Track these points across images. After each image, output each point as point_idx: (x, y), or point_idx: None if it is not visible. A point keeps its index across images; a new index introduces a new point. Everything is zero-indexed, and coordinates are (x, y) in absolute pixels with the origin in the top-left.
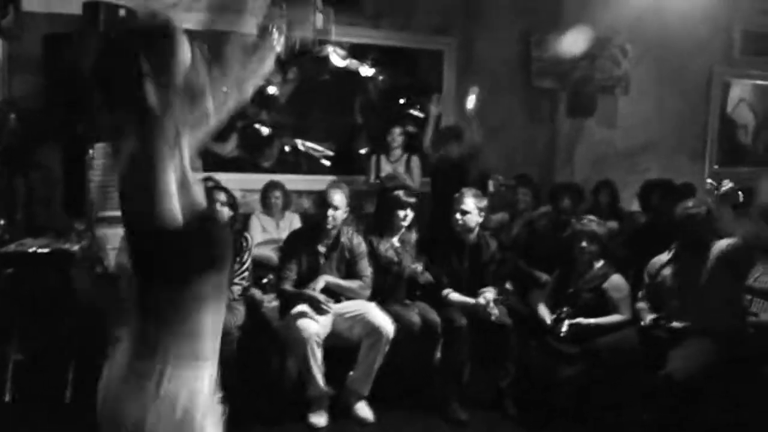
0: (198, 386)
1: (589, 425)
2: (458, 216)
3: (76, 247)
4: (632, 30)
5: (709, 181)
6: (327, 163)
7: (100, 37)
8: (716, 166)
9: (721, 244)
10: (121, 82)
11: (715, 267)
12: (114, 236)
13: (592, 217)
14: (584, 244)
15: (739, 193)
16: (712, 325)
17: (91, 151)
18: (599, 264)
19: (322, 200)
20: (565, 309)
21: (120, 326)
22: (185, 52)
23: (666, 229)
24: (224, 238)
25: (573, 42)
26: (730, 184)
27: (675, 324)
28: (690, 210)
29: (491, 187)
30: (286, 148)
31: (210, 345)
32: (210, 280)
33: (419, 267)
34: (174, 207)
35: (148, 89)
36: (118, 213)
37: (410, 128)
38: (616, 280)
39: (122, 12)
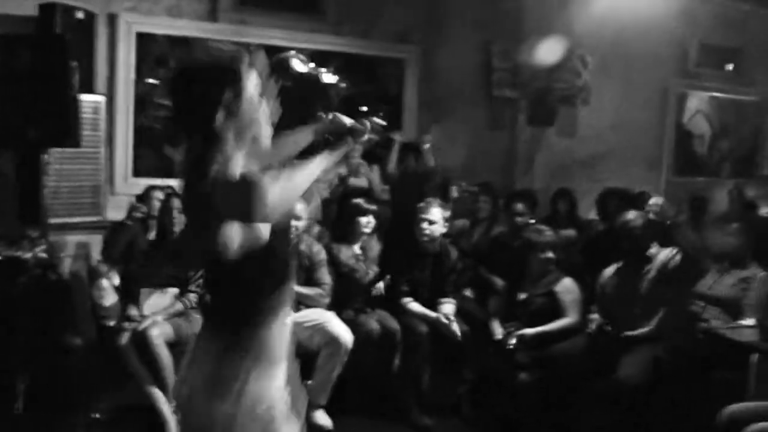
0: (276, 384)
1: (546, 430)
2: (425, 226)
3: (28, 255)
4: (592, 41)
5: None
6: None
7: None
8: (672, 176)
9: (663, 254)
10: (196, 108)
11: (657, 277)
12: (69, 243)
13: (543, 227)
14: (550, 254)
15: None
16: (662, 334)
17: (45, 156)
18: (551, 269)
19: None
20: (513, 323)
21: (73, 335)
22: (253, 86)
23: (610, 241)
24: (289, 255)
25: (547, 52)
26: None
27: (627, 333)
28: (628, 221)
29: (455, 192)
30: None
31: (282, 349)
32: (275, 297)
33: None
34: (235, 234)
35: (219, 117)
36: (73, 219)
37: (372, 137)
38: (567, 283)
39: (80, 14)
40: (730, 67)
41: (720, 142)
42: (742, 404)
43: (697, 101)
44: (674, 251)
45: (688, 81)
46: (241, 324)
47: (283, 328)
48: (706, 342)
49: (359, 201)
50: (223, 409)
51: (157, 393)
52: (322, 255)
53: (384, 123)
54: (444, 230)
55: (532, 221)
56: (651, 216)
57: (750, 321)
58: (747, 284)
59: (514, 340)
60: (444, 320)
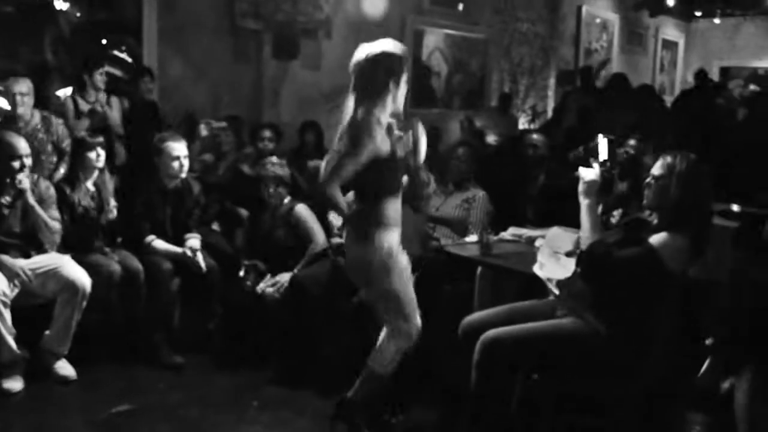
0: (394, 239)
1: (296, 358)
2: (173, 163)
3: None
4: None
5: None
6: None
7: None
8: (411, 108)
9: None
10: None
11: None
12: None
13: (274, 159)
14: (271, 189)
15: None
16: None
17: None
18: (286, 200)
19: None
20: (254, 260)
21: None
22: None
23: None
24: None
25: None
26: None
27: None
28: None
29: (204, 131)
30: None
31: (396, 218)
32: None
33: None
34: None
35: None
36: None
37: (114, 71)
38: (301, 210)
39: None
40: (460, 7)
41: (454, 77)
42: (478, 314)
43: (434, 39)
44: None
45: (424, 18)
46: (371, 207)
47: (396, 208)
48: (436, 258)
49: (84, 136)
50: (368, 255)
51: None
52: (51, 191)
53: (130, 59)
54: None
55: (272, 156)
56: None
57: (473, 237)
58: (469, 204)
59: (242, 273)
60: (189, 254)
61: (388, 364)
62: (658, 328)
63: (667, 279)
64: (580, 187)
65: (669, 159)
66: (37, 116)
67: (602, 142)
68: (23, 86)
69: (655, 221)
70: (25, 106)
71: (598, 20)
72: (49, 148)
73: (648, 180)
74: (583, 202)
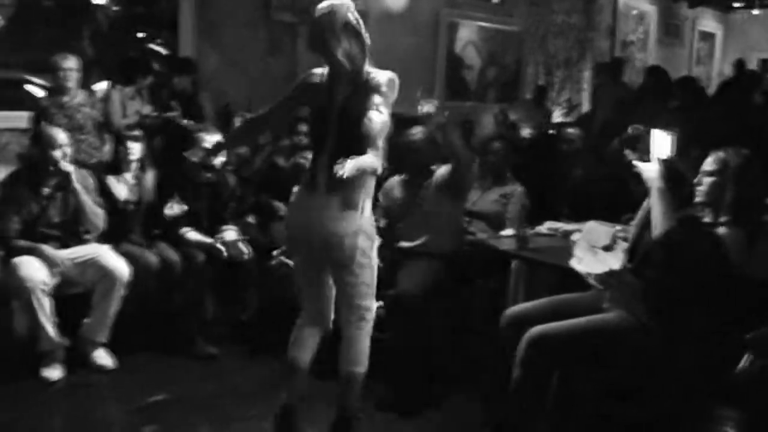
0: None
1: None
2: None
3: None
4: None
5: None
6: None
7: None
8: (444, 101)
9: (441, 170)
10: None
11: (436, 191)
12: None
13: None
14: None
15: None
16: (436, 246)
17: None
18: None
19: (39, 138)
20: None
21: None
22: None
23: (396, 155)
24: None
25: None
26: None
27: (403, 244)
28: (410, 136)
29: (239, 124)
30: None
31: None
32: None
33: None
34: None
35: None
36: None
37: (153, 65)
38: None
39: None
40: None
41: (487, 69)
42: (520, 306)
43: (467, 32)
44: (450, 168)
45: (457, 11)
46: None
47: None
48: (472, 252)
49: (120, 129)
50: (351, 226)
51: None
52: (90, 180)
53: (165, 52)
54: (223, 159)
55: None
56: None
57: (509, 231)
58: (507, 199)
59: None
60: (218, 245)
61: (365, 358)
62: (709, 322)
63: (730, 272)
64: (644, 176)
65: (722, 154)
66: (81, 94)
67: (662, 138)
68: (70, 62)
69: (708, 217)
70: (72, 81)
71: (634, 11)
72: (90, 124)
73: (700, 176)
74: (654, 186)
